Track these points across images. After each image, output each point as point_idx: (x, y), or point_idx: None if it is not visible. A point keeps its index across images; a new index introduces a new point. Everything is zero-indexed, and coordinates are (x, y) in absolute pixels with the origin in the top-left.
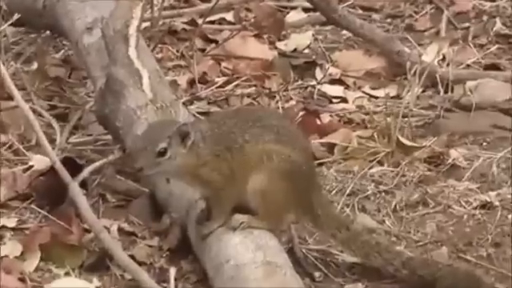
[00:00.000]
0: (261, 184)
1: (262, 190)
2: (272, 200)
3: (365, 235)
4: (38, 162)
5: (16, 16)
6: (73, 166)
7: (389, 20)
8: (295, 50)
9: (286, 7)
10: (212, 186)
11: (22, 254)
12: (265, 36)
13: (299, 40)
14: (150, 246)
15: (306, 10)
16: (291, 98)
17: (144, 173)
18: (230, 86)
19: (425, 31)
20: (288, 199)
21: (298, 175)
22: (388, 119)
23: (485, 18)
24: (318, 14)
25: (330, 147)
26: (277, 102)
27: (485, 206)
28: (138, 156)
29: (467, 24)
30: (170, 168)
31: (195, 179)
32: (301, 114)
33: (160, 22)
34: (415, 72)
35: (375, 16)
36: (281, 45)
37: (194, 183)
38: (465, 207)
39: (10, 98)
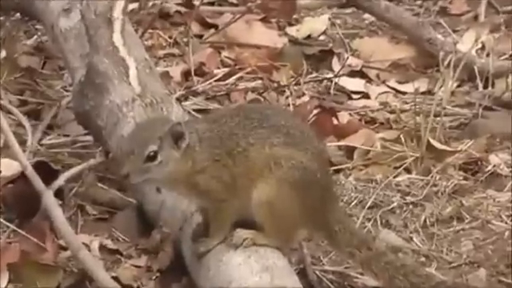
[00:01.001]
0: (268, 195)
1: (269, 201)
2: (281, 213)
3: (389, 255)
4: (6, 167)
5: None
6: (47, 172)
7: (419, 2)
8: (309, 36)
9: None
10: (210, 197)
11: None
12: (273, 20)
13: (313, 25)
14: (138, 267)
15: None
16: (304, 94)
17: (130, 180)
18: (231, 79)
19: (461, 15)
20: (299, 212)
21: (310, 184)
22: (417, 119)
23: None
24: None
25: (349, 151)
26: (287, 97)
27: None
28: (123, 160)
29: (510, 7)
30: (160, 175)
31: (191, 188)
32: (315, 112)
33: (150, 4)
34: (449, 63)
35: None
36: (292, 30)
37: (190, 193)
38: (506, 222)
39: None
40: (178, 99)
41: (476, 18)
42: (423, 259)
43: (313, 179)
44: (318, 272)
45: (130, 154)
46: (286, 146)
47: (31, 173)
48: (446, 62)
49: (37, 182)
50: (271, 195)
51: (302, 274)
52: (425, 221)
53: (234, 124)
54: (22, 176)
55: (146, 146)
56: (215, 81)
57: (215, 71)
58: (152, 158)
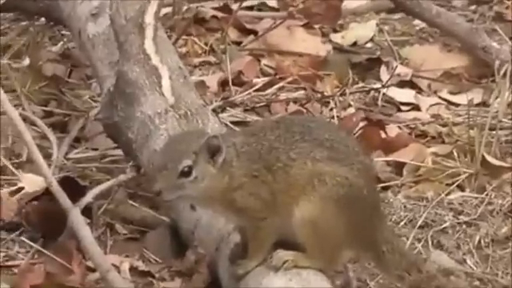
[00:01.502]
0: (310, 213)
1: (312, 220)
2: (324, 233)
3: (440, 278)
4: (30, 182)
5: None
6: (73, 188)
7: (473, 7)
8: (355, 43)
9: None
10: (248, 215)
11: None
12: (316, 26)
13: (360, 31)
14: None
15: None
16: (349, 105)
17: (163, 197)
18: (272, 89)
19: None
20: (344, 232)
21: (356, 202)
22: (471, 132)
23: None
24: None
25: (398, 167)
26: (331, 109)
27: None
28: (155, 176)
29: None
30: (195, 191)
31: (227, 206)
32: (361, 124)
33: (184, 8)
34: (505, 73)
35: (456, 2)
36: (337, 37)
37: (226, 211)
38: None
39: None
40: (214, 110)
41: None
42: (477, 283)
43: (359, 196)
44: None
45: (162, 170)
46: (330, 162)
47: (57, 189)
48: (501, 72)
49: (63, 198)
50: (314, 214)
51: None
52: (479, 241)
53: (274, 137)
54: (47, 192)
55: (180, 161)
56: (254, 91)
57: (254, 80)
58: (186, 173)
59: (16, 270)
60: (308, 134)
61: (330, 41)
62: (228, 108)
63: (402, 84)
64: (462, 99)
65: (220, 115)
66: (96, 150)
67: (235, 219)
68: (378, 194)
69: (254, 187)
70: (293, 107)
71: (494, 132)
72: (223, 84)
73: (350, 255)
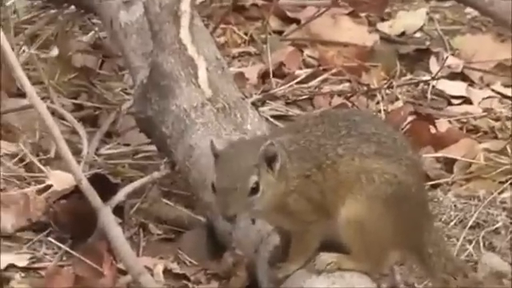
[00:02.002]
0: (357, 213)
1: (359, 220)
2: (371, 234)
3: (487, 284)
4: (58, 180)
5: None
6: (104, 186)
7: None
8: (403, 33)
9: None
10: (299, 218)
11: None
12: (363, 15)
13: (409, 20)
14: None
15: None
16: (397, 98)
17: (237, 220)
18: (315, 82)
19: None
20: (392, 233)
21: (405, 201)
22: None
23: None
24: None
25: (448, 164)
26: (377, 102)
27: None
28: (225, 200)
29: None
30: (262, 206)
31: (280, 212)
32: (410, 119)
33: None
34: None
35: None
36: (384, 26)
37: (280, 218)
38: None
39: (22, 94)
40: (253, 104)
41: None
42: None
43: (407, 195)
44: None
45: (231, 191)
46: (378, 157)
47: (87, 187)
48: None
49: (93, 197)
50: (361, 213)
51: None
52: None
53: (319, 133)
54: (77, 190)
55: (248, 179)
56: (296, 83)
57: (296, 72)
58: (255, 190)
59: (43, 273)
60: (354, 128)
61: (377, 30)
62: (268, 101)
63: (453, 76)
64: None
65: (260, 109)
66: (128, 145)
67: (284, 224)
68: (426, 192)
69: (307, 188)
70: (337, 100)
71: None
72: (263, 76)
73: (396, 257)
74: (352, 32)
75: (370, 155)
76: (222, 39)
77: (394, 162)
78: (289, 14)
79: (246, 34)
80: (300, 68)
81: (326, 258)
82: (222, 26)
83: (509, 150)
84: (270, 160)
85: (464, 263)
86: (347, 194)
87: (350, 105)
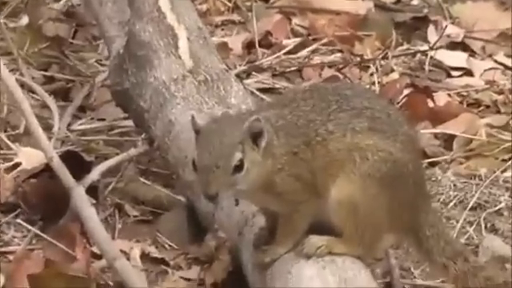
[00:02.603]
0: (350, 194)
1: (351, 201)
2: (364, 215)
3: (489, 270)
4: (28, 157)
5: None
6: (77, 164)
7: None
8: (399, 0)
9: None
10: (287, 199)
11: None
12: None
13: None
14: (187, 280)
15: None
16: (392, 70)
17: (219, 199)
18: (304, 52)
19: None
20: (386, 214)
21: (401, 180)
22: None
23: None
24: None
25: (447, 140)
26: (371, 74)
27: None
28: (207, 178)
29: None
30: (247, 184)
31: (267, 192)
32: (406, 92)
33: None
34: None
35: None
36: None
37: (266, 198)
38: None
39: None
40: (238, 76)
41: None
42: None
43: (403, 173)
44: (407, 287)
45: (213, 169)
46: (371, 133)
47: (58, 165)
48: None
49: (65, 175)
50: (354, 194)
51: None
52: None
53: (308, 108)
54: (47, 169)
55: (232, 156)
56: (284, 54)
57: (284, 42)
58: (239, 167)
59: (11, 258)
60: (345, 102)
61: None
62: (254, 73)
63: (453, 46)
64: None
65: (245, 81)
66: (103, 120)
67: (271, 205)
68: (423, 170)
69: (295, 166)
70: (328, 72)
71: None
72: (249, 46)
73: (391, 240)
74: None
75: (362, 131)
76: (203, 7)
77: (389, 138)
78: None
79: (229, 0)
80: (288, 37)
81: (316, 241)
82: None
83: None
84: (256, 136)
85: (464, 247)
86: (339, 172)
87: (341, 77)
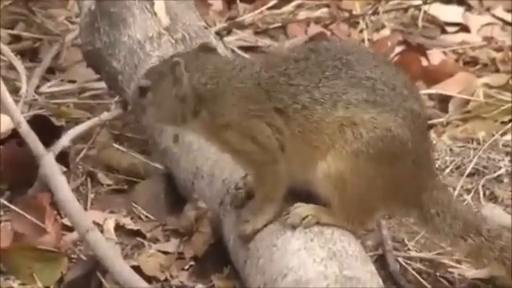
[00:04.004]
0: (339, 170)
1: (341, 178)
2: (354, 194)
3: (503, 237)
4: None
5: None
6: (47, 130)
7: None
8: None
9: None
10: (248, 159)
11: None
12: None
13: None
14: (165, 253)
15: None
16: (383, 26)
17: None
18: (288, 7)
19: None
20: (380, 193)
21: (399, 158)
22: None
23: None
24: None
25: (443, 101)
26: (361, 31)
27: None
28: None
29: None
30: (154, 118)
31: (223, 146)
32: (398, 49)
33: None
34: None
35: None
36: None
37: (226, 151)
38: None
39: None
40: (218, 34)
41: None
42: None
43: (402, 151)
44: (401, 259)
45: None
46: (369, 106)
47: (26, 130)
48: None
49: (34, 142)
50: (344, 170)
51: (381, 262)
52: None
53: (296, 71)
54: (15, 135)
55: (140, 80)
56: (267, 9)
57: None
58: (144, 91)
59: None
60: (344, 69)
61: None
62: (235, 30)
63: (448, 0)
64: None
65: (225, 39)
66: (73, 82)
67: (236, 161)
68: (428, 147)
69: (249, 129)
70: (314, 29)
71: None
72: (229, 1)
73: (384, 211)
74: None
75: (358, 103)
76: None
77: (388, 113)
78: None
79: None
80: None
81: (302, 210)
82: None
83: None
84: (176, 79)
85: (475, 218)
86: (328, 147)
87: (328, 34)
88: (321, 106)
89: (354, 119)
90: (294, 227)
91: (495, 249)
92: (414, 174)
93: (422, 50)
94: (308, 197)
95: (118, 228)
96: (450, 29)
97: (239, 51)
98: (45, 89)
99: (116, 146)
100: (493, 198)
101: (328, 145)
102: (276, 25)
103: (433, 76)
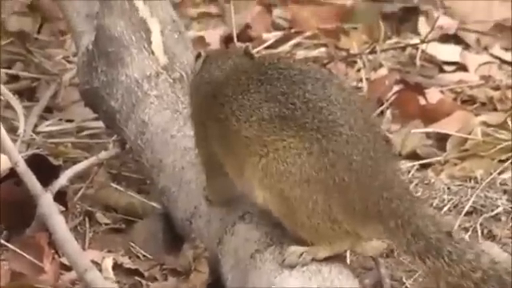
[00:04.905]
0: (272, 199)
1: (281, 202)
2: (298, 208)
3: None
4: None
5: None
6: (44, 169)
7: None
8: None
9: None
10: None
11: None
12: None
13: None
14: None
15: None
16: (381, 65)
17: None
18: (286, 46)
19: None
20: (325, 204)
21: (328, 170)
22: None
23: None
24: None
25: (441, 140)
26: (358, 70)
27: None
28: None
29: None
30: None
31: None
32: (396, 88)
33: None
34: None
35: None
36: None
37: None
38: None
39: None
40: None
41: None
42: None
43: (331, 163)
44: None
45: None
46: (284, 124)
47: (24, 169)
48: None
49: (31, 181)
50: (278, 200)
51: None
52: None
53: (234, 82)
54: (12, 174)
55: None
56: (265, 48)
57: (265, 36)
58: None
59: None
60: (268, 83)
61: None
62: None
63: (445, 39)
64: None
65: None
66: (71, 121)
67: None
68: (378, 159)
69: (194, 123)
70: None
71: None
72: (227, 40)
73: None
74: None
75: (271, 119)
76: None
77: (303, 130)
78: None
79: None
80: (268, 31)
81: (296, 249)
82: None
83: (509, 124)
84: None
85: (444, 237)
86: (255, 164)
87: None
88: (239, 120)
89: (265, 140)
90: (291, 267)
91: (454, 274)
92: (357, 185)
93: (419, 89)
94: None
95: (116, 267)
96: (447, 68)
97: None
98: (42, 128)
99: (114, 185)
100: (491, 237)
101: (255, 162)
102: None
103: (431, 115)
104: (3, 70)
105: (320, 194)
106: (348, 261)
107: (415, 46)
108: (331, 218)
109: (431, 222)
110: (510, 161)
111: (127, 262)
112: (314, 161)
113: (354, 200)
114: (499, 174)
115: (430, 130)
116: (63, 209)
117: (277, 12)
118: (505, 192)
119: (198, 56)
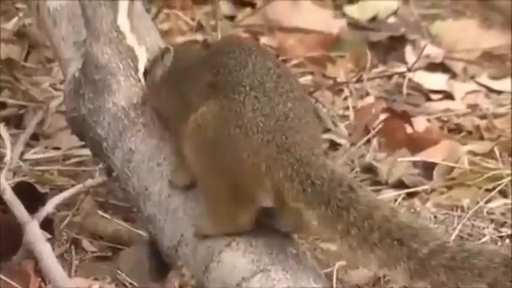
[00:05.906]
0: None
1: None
2: (204, 177)
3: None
4: None
5: None
6: (31, 196)
7: None
8: (374, 18)
9: None
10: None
11: None
12: None
13: (380, 3)
14: None
15: None
16: (367, 93)
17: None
18: None
19: None
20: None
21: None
22: None
23: None
24: None
25: (427, 169)
26: (345, 98)
27: None
28: None
29: None
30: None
31: None
32: (382, 117)
33: None
34: None
35: None
36: (352, 10)
37: None
38: None
39: None
40: None
41: None
42: None
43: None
44: None
45: None
46: (211, 89)
47: (10, 197)
48: None
49: (18, 209)
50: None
51: None
52: None
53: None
54: None
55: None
56: None
57: None
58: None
59: None
60: (209, 58)
61: (344, 15)
62: None
63: (432, 67)
64: (504, 86)
65: None
66: (58, 149)
67: None
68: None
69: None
70: None
71: None
72: None
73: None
74: (315, 17)
75: (204, 88)
76: (165, 26)
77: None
78: None
79: (193, 19)
80: None
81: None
82: (166, 10)
83: (496, 153)
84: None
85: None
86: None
87: (313, 101)
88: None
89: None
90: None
91: (344, 222)
92: (247, 140)
93: (406, 117)
94: None
95: None
96: (434, 96)
97: None
98: (29, 156)
99: (100, 212)
100: None
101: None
102: None
103: (417, 143)
104: None
105: (219, 154)
106: None
107: (402, 75)
108: (228, 181)
109: (328, 173)
110: (496, 190)
111: None
112: (214, 120)
113: (245, 157)
114: (486, 202)
115: (416, 158)
116: (50, 236)
117: (264, 39)
118: (492, 221)
119: (167, 51)
